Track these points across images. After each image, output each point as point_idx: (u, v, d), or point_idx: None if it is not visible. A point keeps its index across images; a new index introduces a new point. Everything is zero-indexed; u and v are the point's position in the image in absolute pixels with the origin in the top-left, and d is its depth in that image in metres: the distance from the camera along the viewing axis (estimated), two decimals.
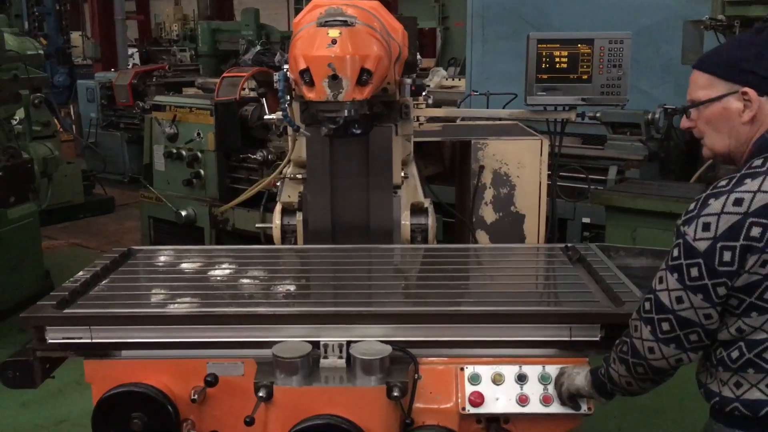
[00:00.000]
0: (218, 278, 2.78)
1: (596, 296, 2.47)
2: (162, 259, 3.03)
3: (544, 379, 2.25)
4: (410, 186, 3.41)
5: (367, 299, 2.60)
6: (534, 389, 2.24)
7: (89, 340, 2.32)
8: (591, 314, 2.30)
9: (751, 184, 1.77)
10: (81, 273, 2.68)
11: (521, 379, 2.25)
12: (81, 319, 2.34)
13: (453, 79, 9.76)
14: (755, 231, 1.73)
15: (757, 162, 1.83)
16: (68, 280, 2.61)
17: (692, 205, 1.84)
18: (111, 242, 8.22)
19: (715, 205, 1.78)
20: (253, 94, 6.58)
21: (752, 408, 1.82)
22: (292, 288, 2.76)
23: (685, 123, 2.02)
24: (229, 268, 2.88)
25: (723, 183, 1.82)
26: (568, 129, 4.16)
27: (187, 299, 2.54)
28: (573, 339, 2.29)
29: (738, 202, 1.76)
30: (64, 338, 2.33)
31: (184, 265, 2.91)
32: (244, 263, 2.95)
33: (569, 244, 3.03)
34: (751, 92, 1.86)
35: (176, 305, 2.50)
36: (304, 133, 2.99)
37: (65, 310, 2.38)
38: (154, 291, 2.70)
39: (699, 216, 1.80)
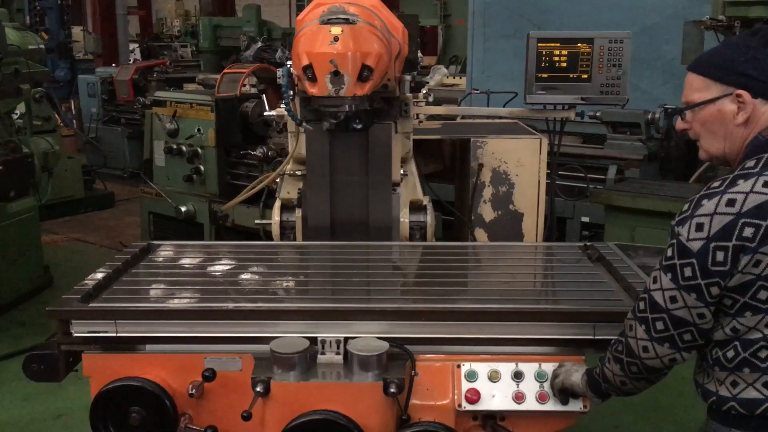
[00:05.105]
0: (231, 274, 2.80)
1: (618, 295, 2.48)
2: (178, 254, 3.05)
3: (540, 376, 2.26)
4: (409, 183, 3.42)
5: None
6: (530, 387, 2.25)
7: (114, 334, 2.34)
8: (615, 313, 2.27)
9: (743, 185, 1.78)
10: (103, 267, 2.70)
11: (517, 376, 2.26)
12: (107, 312, 2.36)
13: (454, 77, 9.77)
14: (748, 231, 1.74)
15: (750, 163, 1.84)
16: (93, 273, 2.63)
17: (686, 206, 1.85)
18: (111, 237, 8.23)
19: (708, 205, 1.79)
20: (253, 90, 6.59)
21: (749, 407, 1.83)
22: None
23: (680, 125, 2.03)
24: (238, 265, 2.89)
25: (716, 184, 1.83)
26: (569, 128, 4.17)
27: (194, 294, 2.56)
28: (596, 337, 2.29)
29: (731, 202, 1.77)
30: (89, 332, 2.34)
31: (199, 262, 2.93)
32: (252, 260, 2.96)
33: (588, 243, 3.04)
34: (745, 94, 1.87)
35: (192, 300, 2.52)
36: (306, 127, 3.03)
37: (90, 304, 2.40)
38: (169, 287, 2.71)
39: (692, 216, 1.81)
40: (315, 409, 2.11)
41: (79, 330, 2.34)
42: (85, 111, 11.58)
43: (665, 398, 4.18)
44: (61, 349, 2.37)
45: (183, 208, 6.78)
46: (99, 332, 2.34)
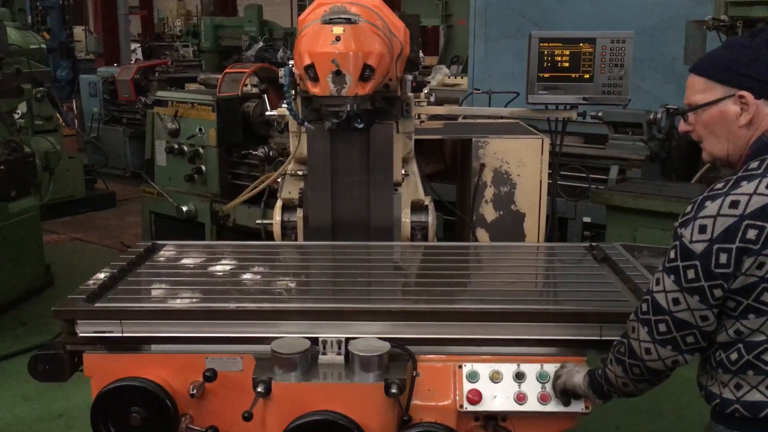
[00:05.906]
0: (233, 274, 2.80)
1: (625, 295, 2.47)
2: (182, 254, 3.05)
3: (541, 377, 2.25)
4: (411, 183, 3.42)
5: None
6: (532, 387, 2.25)
7: (120, 334, 2.33)
8: (622, 314, 2.23)
9: (747, 187, 1.77)
10: (107, 267, 2.69)
11: (519, 377, 2.26)
12: (112, 313, 2.36)
13: (455, 77, 9.76)
14: (751, 233, 1.73)
15: (754, 164, 1.83)
16: (98, 272, 2.63)
17: (689, 208, 1.84)
18: (112, 237, 8.24)
19: (711, 207, 1.78)
20: (255, 90, 6.59)
21: (752, 409, 1.82)
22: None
23: (683, 127, 2.03)
24: (239, 265, 2.88)
25: (719, 185, 1.82)
26: (570, 128, 4.16)
27: (197, 294, 2.56)
28: (603, 338, 2.28)
29: (734, 204, 1.76)
30: (94, 332, 2.34)
31: (202, 262, 2.92)
32: (253, 260, 2.95)
33: (593, 243, 3.03)
34: (748, 95, 1.86)
35: (195, 300, 2.51)
36: (308, 126, 3.04)
37: (96, 304, 2.39)
38: (173, 287, 2.71)
39: (695, 218, 1.80)
40: (316, 409, 2.11)
41: (85, 330, 2.34)
42: (86, 111, 11.59)
43: (667, 399, 4.17)
44: (66, 349, 2.37)
45: (184, 208, 6.79)
46: (104, 332, 2.33)
